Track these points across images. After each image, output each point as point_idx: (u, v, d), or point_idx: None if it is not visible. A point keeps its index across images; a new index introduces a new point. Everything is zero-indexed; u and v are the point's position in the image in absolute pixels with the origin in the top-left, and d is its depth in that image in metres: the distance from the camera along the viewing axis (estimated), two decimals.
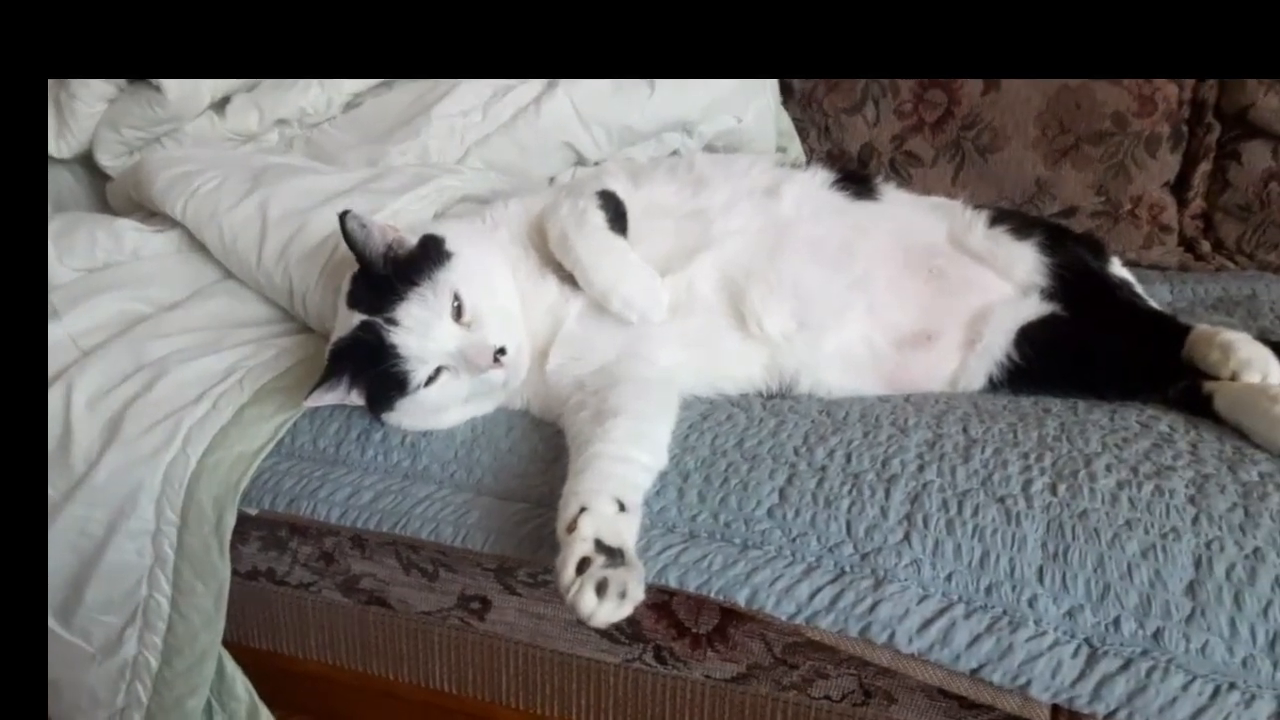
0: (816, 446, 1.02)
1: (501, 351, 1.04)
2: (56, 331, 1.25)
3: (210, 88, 1.60)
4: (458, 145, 1.63)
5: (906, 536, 0.92)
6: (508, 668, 1.21)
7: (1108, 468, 0.95)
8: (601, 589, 0.84)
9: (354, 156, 1.60)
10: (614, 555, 0.86)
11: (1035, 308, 1.17)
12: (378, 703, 1.31)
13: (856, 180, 1.30)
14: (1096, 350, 1.14)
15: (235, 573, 1.18)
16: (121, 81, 1.58)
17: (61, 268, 1.31)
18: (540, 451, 1.07)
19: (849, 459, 1.00)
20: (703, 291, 1.16)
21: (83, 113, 1.59)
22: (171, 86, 1.53)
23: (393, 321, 1.04)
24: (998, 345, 1.15)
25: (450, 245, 1.09)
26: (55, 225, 1.34)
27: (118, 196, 1.59)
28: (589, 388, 1.07)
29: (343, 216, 1.04)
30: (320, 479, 1.10)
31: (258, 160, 1.42)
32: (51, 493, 1.15)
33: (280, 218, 1.28)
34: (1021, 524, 0.91)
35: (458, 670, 1.24)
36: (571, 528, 0.87)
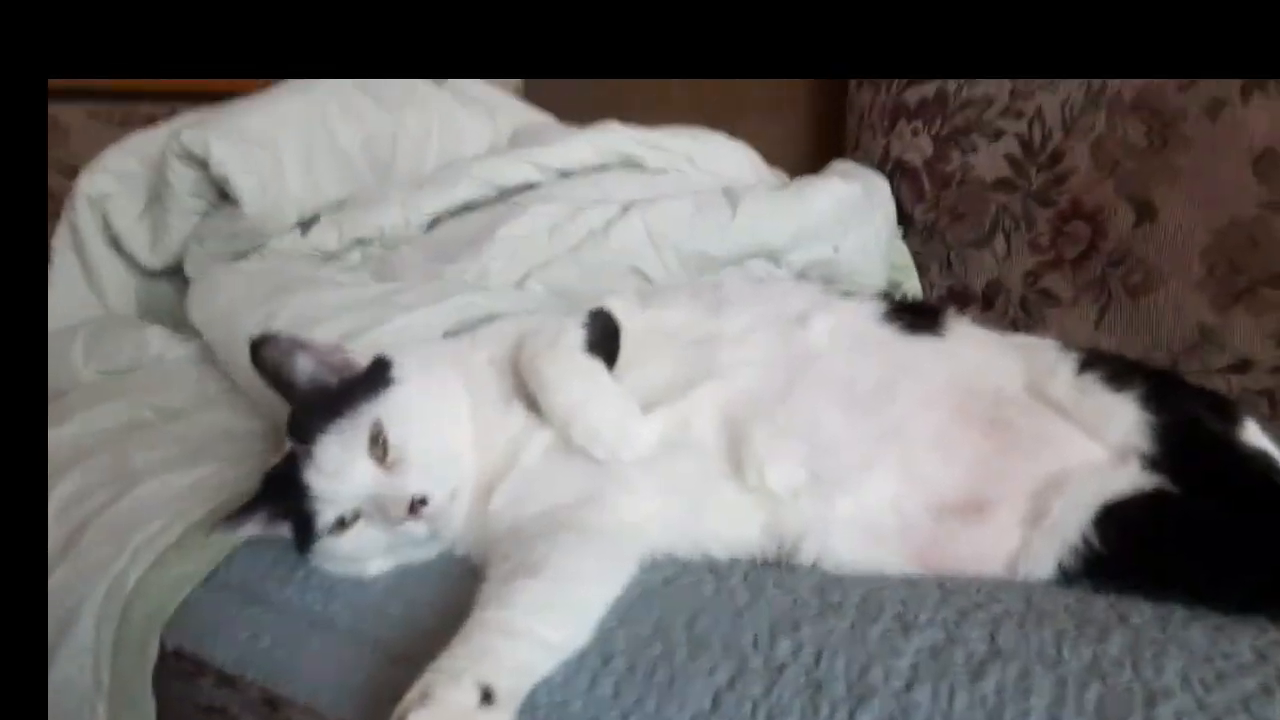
0: (782, 637, 0.79)
1: (422, 502, 0.90)
2: (60, 434, 1.23)
3: (297, 208, 1.62)
4: (519, 267, 1.54)
5: None
6: None
7: (1177, 717, 0.67)
8: None
9: (413, 274, 1.55)
10: None
11: (1130, 479, 0.90)
12: None
13: (917, 312, 1.08)
14: (1211, 541, 0.85)
15: (195, 704, 1.07)
16: (211, 197, 1.63)
17: (85, 369, 1.31)
18: (463, 607, 0.90)
19: (818, 660, 0.77)
20: (700, 431, 0.98)
21: (174, 226, 1.63)
22: (251, 205, 1.55)
23: (309, 456, 0.93)
24: (1071, 523, 0.88)
25: (396, 371, 0.98)
26: (89, 328, 1.35)
27: None
28: (523, 535, 0.91)
29: (254, 342, 0.96)
30: (230, 617, 0.98)
31: (282, 275, 1.39)
32: None
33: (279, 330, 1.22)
34: None
35: None
36: None
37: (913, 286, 1.76)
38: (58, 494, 1.14)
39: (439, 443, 0.96)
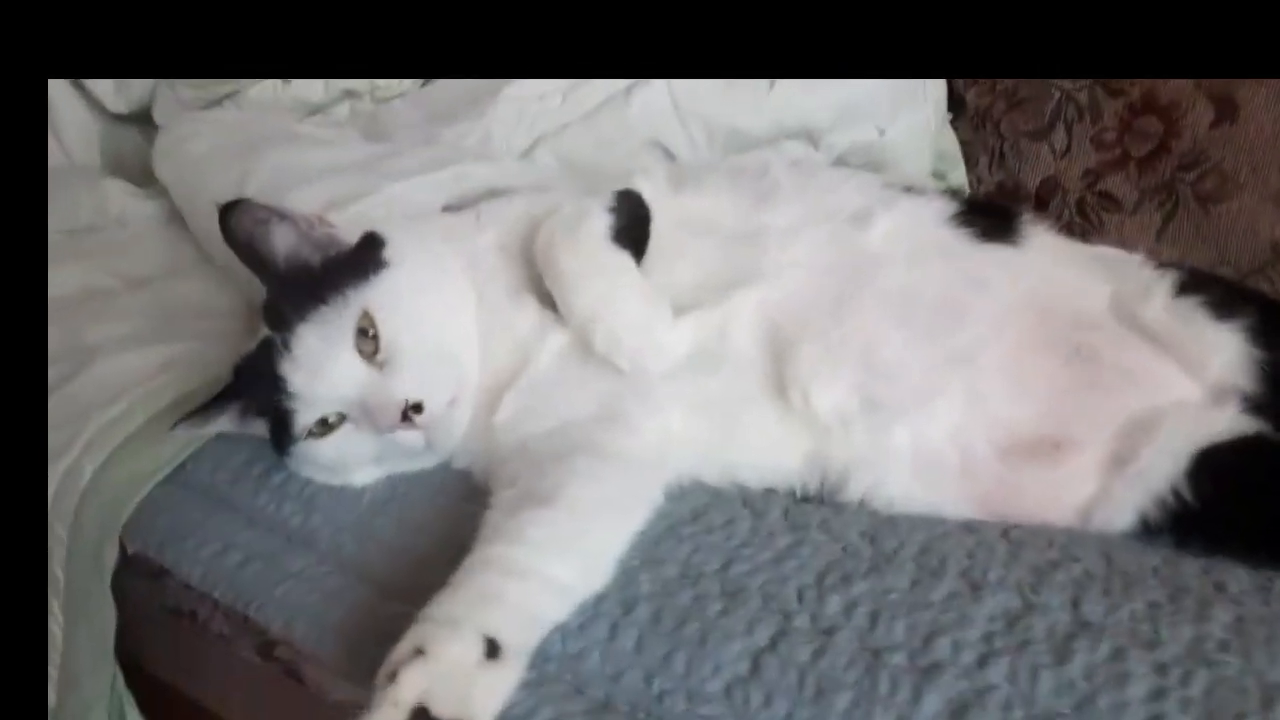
0: (832, 592, 0.69)
1: (416, 408, 0.78)
2: None
3: None
4: (526, 133, 1.38)
5: None
6: None
7: None
8: None
9: (408, 136, 1.39)
10: None
11: (1230, 422, 0.78)
12: None
13: (991, 214, 0.94)
14: None
15: (162, 607, 0.98)
16: None
17: None
18: (463, 534, 0.78)
19: (874, 622, 0.66)
20: (737, 341, 0.85)
21: None
22: None
23: (286, 345, 0.80)
24: (1161, 470, 0.77)
25: (389, 252, 0.84)
26: None
27: None
28: (531, 455, 0.79)
29: (224, 209, 0.81)
30: (196, 524, 0.87)
31: (261, 127, 1.23)
32: None
33: (255, 193, 1.06)
34: None
35: None
36: (391, 677, 0.59)
37: (958, 179, 1.60)
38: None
39: (437, 339, 0.83)
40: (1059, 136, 1.55)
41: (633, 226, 0.87)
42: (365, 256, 0.83)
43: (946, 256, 0.88)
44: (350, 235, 0.86)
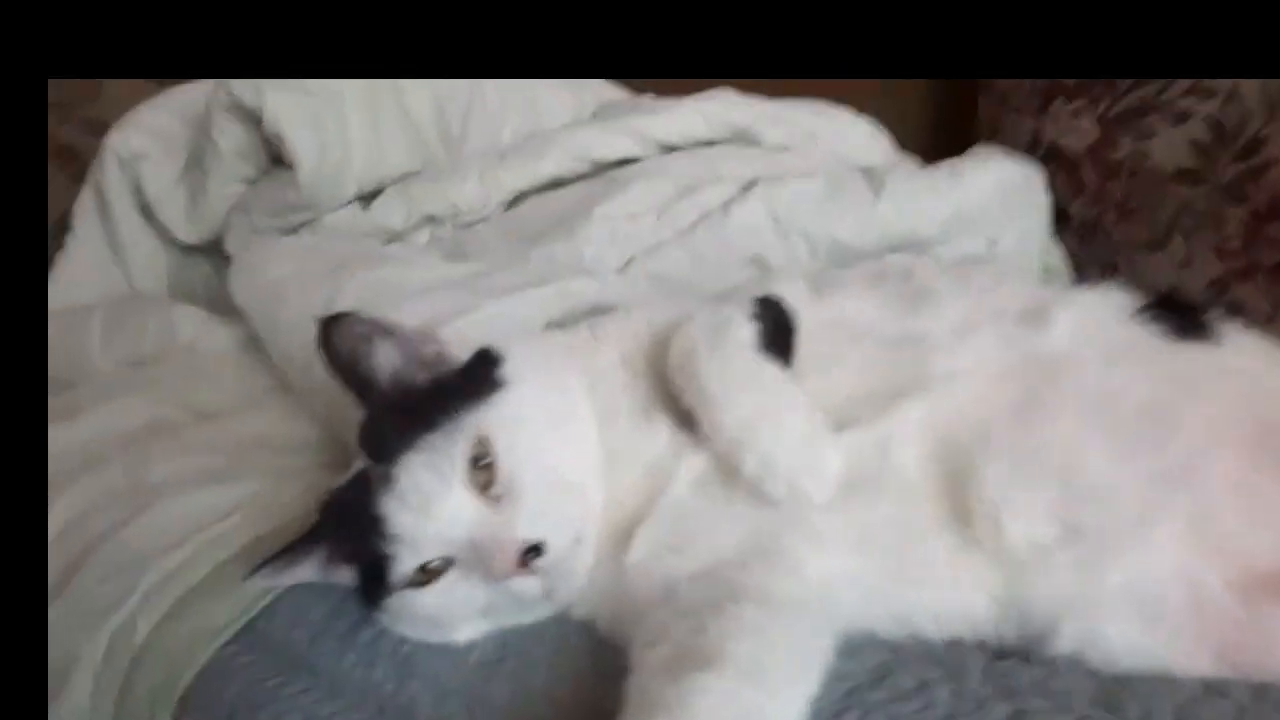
0: None
1: (534, 551, 0.66)
2: (67, 435, 0.99)
3: (358, 177, 1.38)
4: (619, 253, 1.30)
5: None
6: None
7: None
8: None
9: (494, 258, 1.31)
10: None
11: None
12: None
13: (1178, 310, 0.82)
14: None
15: None
16: (260, 160, 1.39)
17: (101, 358, 1.07)
18: (595, 699, 0.65)
19: None
20: (901, 460, 0.72)
21: (216, 193, 1.41)
22: (307, 169, 1.31)
23: (387, 480, 0.68)
24: None
25: (507, 370, 0.73)
26: (105, 311, 1.12)
27: None
28: (681, 602, 0.65)
29: (325, 322, 0.72)
30: (269, 693, 0.73)
31: (344, 249, 1.16)
32: None
33: None
34: None
35: None
36: None
37: None
38: (56, 512, 0.91)
39: (561, 469, 0.71)
40: (1177, 246, 1.45)
41: (778, 337, 0.76)
42: (479, 375, 0.73)
43: (1143, 357, 0.76)
44: (461, 353, 0.76)
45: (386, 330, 0.74)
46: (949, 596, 0.70)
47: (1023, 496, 0.68)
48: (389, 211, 1.41)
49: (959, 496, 0.70)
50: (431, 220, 1.43)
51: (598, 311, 1.05)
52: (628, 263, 1.28)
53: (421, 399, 0.72)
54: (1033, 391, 0.73)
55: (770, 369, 0.72)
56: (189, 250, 1.45)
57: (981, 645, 0.69)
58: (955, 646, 0.68)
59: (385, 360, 0.73)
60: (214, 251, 1.49)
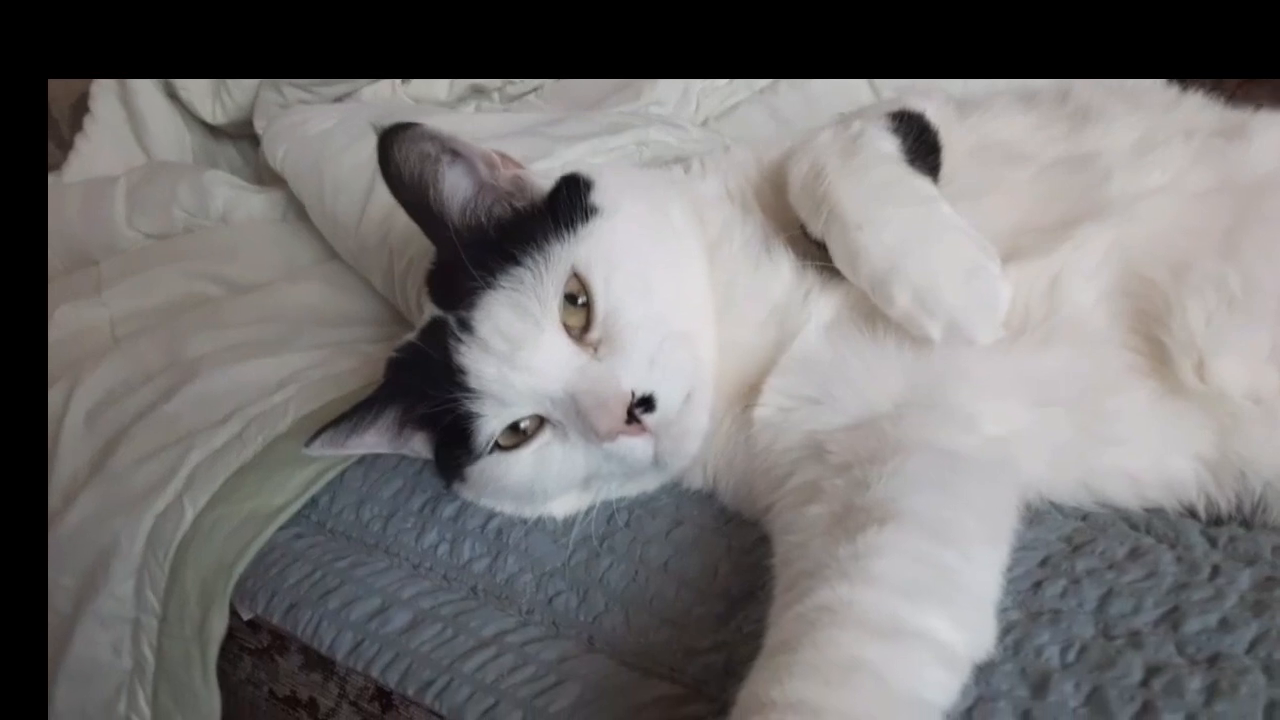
0: None
1: (644, 404, 0.54)
2: (92, 312, 0.89)
3: None
4: (692, 113, 1.16)
5: None
6: None
7: None
8: None
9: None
10: None
11: None
12: None
13: None
14: None
15: (271, 695, 0.74)
16: None
17: (128, 229, 0.96)
18: (729, 577, 0.54)
19: None
20: (1079, 299, 0.59)
21: None
22: None
23: (466, 326, 0.57)
24: None
25: (599, 196, 0.61)
26: (133, 177, 1.00)
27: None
28: (834, 458, 0.54)
29: (385, 133, 0.59)
30: (339, 576, 0.63)
31: (396, 104, 1.03)
32: None
33: None
34: None
35: None
36: None
37: None
38: (81, 393, 0.81)
39: (669, 310, 0.59)
40: None
41: (922, 153, 0.63)
42: (568, 204, 0.61)
43: None
44: (544, 180, 0.64)
45: (455, 152, 0.61)
46: (1143, 457, 0.58)
47: (1236, 337, 0.56)
48: (430, 84, 1.28)
49: (1155, 337, 0.58)
50: (478, 92, 1.30)
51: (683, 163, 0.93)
52: (701, 123, 1.15)
53: (501, 231, 0.60)
54: (1239, 215, 0.60)
55: (920, 184, 0.60)
56: (215, 133, 1.33)
57: (1186, 512, 0.57)
58: (1159, 514, 0.56)
59: (456, 186, 0.61)
60: (240, 136, 1.38)
